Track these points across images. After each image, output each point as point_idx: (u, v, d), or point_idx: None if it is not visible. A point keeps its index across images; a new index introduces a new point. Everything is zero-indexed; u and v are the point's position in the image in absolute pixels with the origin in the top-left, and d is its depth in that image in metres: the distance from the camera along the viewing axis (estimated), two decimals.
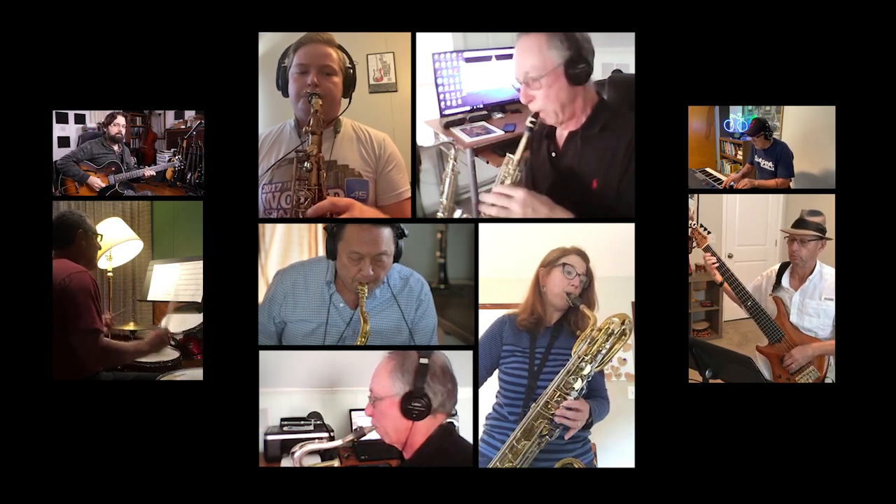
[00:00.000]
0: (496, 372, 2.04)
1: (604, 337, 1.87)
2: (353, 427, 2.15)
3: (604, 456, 2.20)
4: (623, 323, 1.88)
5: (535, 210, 1.81)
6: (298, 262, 2.14)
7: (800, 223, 2.19)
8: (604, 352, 1.87)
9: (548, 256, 2.01)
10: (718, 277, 2.18)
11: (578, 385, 1.86)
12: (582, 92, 1.83)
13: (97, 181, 2.18)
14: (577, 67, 1.77)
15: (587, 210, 1.87)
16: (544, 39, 1.78)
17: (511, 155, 1.91)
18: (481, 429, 2.02)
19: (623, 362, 2.44)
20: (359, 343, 1.96)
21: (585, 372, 1.86)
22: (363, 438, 1.82)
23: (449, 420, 1.74)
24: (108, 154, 2.20)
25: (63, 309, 2.06)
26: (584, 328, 1.90)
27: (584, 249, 1.99)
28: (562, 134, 1.94)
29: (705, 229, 2.14)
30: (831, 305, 2.10)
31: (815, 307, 2.18)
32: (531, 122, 1.88)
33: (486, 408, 2.03)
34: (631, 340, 1.99)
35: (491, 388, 2.05)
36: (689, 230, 2.10)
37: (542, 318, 1.99)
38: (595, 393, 1.98)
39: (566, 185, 1.92)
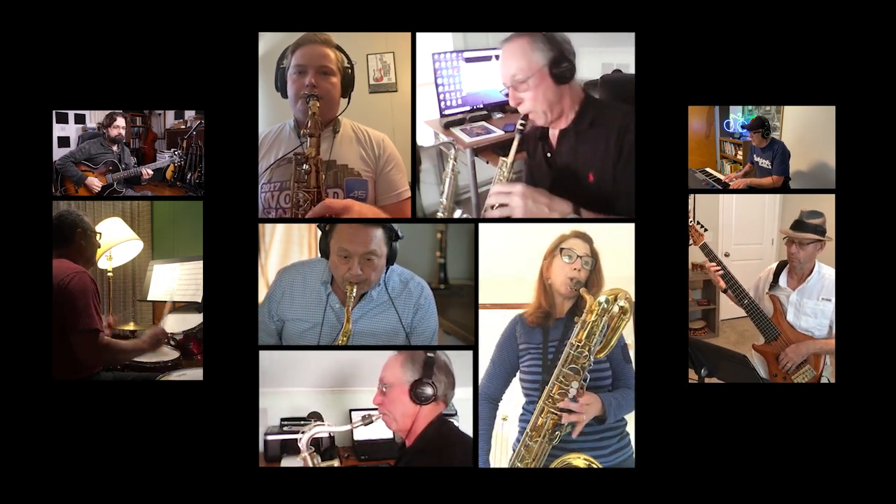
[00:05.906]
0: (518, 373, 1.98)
1: (596, 318, 1.80)
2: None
3: None
4: (617, 299, 1.78)
5: (535, 199, 1.83)
6: (300, 261, 2.14)
7: (798, 224, 2.18)
8: (598, 333, 1.79)
9: (548, 247, 1.94)
10: (723, 284, 2.18)
11: (580, 375, 1.80)
12: (568, 90, 1.88)
13: (95, 181, 2.18)
14: (560, 66, 1.84)
15: (587, 203, 1.87)
16: (527, 42, 1.84)
17: (504, 158, 1.95)
18: (516, 431, 1.97)
19: None
20: (339, 342, 1.94)
21: (583, 358, 1.80)
22: (370, 424, 1.85)
23: (446, 413, 1.83)
24: (107, 154, 2.20)
25: (63, 310, 2.06)
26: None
27: (585, 231, 1.92)
28: (554, 133, 1.96)
29: (702, 226, 2.13)
30: (829, 306, 2.10)
31: (812, 307, 2.18)
32: (521, 125, 1.95)
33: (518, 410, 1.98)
34: (631, 340, 1.99)
35: (516, 392, 1.99)
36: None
37: (549, 312, 1.93)
38: (620, 383, 1.91)
39: (564, 182, 1.93)
